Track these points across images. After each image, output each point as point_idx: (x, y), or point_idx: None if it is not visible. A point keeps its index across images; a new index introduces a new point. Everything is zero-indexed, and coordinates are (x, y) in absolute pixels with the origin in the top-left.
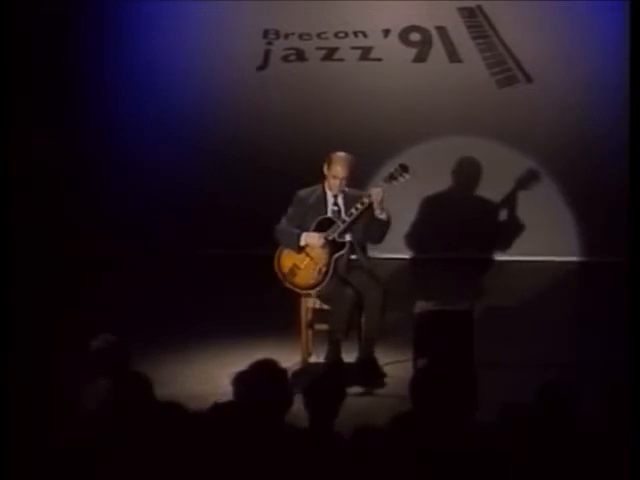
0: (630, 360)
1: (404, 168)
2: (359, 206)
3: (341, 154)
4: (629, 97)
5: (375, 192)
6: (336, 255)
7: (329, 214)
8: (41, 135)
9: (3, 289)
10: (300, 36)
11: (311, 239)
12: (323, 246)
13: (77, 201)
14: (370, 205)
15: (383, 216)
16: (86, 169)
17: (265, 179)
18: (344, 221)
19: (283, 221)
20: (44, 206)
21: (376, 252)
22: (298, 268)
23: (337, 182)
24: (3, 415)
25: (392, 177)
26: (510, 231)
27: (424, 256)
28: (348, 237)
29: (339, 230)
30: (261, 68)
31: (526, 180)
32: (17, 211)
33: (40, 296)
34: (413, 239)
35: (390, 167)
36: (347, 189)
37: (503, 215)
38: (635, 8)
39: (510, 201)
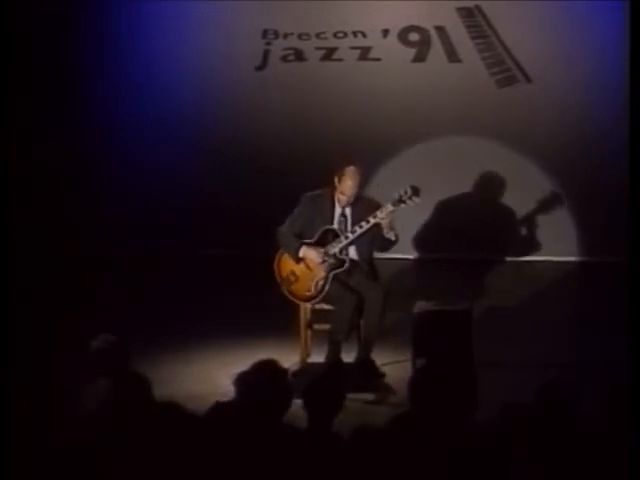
0: (630, 360)
1: (415, 191)
2: (363, 224)
3: (353, 170)
4: (629, 97)
5: (383, 215)
6: (334, 272)
7: (335, 224)
8: (41, 135)
9: (3, 289)
10: (299, 36)
11: (310, 254)
12: (322, 261)
13: (77, 201)
14: (376, 224)
15: (391, 236)
16: (86, 169)
17: (265, 179)
18: (347, 237)
19: (287, 222)
20: (44, 206)
21: (376, 252)
22: (295, 276)
23: (346, 198)
24: (3, 415)
25: (401, 200)
26: (510, 231)
27: (424, 256)
28: (352, 252)
29: (341, 245)
30: (260, 68)
31: (526, 180)
32: (17, 211)
33: (40, 296)
34: (413, 239)
35: (389, 168)
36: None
37: (504, 215)
38: (635, 8)
39: (510, 201)
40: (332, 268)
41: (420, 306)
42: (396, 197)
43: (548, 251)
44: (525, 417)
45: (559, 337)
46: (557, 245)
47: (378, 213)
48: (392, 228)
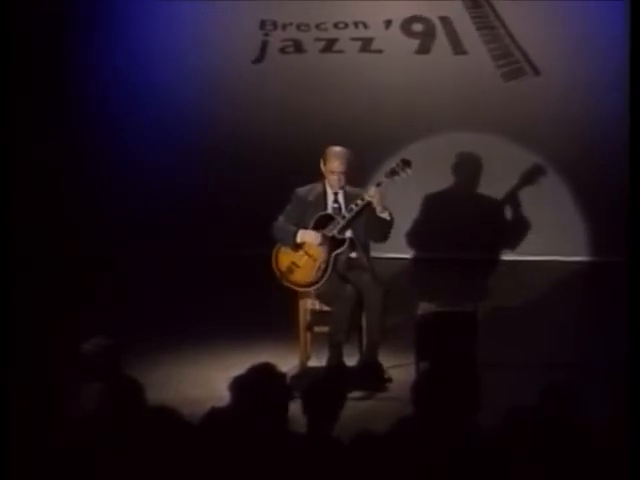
0: (631, 360)
1: (406, 163)
2: (359, 202)
3: (337, 148)
4: (629, 97)
5: (375, 190)
6: (336, 252)
7: (329, 211)
8: (41, 135)
9: (3, 289)
10: (298, 27)
11: (308, 237)
12: (321, 243)
13: (77, 201)
14: (370, 202)
15: (385, 215)
16: (86, 169)
17: (265, 177)
18: (344, 217)
19: (280, 218)
20: (44, 206)
21: (377, 252)
22: (296, 266)
23: (336, 177)
24: (3, 415)
25: (394, 172)
26: (513, 230)
27: (426, 256)
28: (348, 234)
29: (339, 226)
30: (258, 60)
31: (530, 178)
32: (17, 211)
33: (40, 296)
34: (415, 238)
35: (391, 163)
36: (348, 187)
37: (506, 214)
38: (635, 8)
39: (513, 200)
40: (332, 249)
41: (423, 307)
42: (388, 170)
43: (549, 251)
44: (528, 418)
45: (561, 337)
46: (559, 245)
47: (371, 191)
48: (386, 207)
